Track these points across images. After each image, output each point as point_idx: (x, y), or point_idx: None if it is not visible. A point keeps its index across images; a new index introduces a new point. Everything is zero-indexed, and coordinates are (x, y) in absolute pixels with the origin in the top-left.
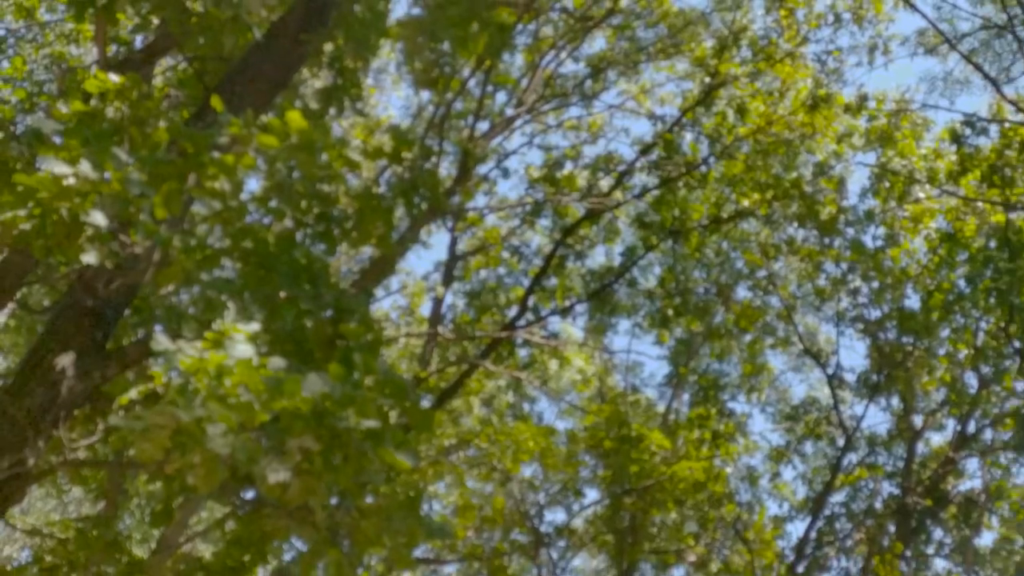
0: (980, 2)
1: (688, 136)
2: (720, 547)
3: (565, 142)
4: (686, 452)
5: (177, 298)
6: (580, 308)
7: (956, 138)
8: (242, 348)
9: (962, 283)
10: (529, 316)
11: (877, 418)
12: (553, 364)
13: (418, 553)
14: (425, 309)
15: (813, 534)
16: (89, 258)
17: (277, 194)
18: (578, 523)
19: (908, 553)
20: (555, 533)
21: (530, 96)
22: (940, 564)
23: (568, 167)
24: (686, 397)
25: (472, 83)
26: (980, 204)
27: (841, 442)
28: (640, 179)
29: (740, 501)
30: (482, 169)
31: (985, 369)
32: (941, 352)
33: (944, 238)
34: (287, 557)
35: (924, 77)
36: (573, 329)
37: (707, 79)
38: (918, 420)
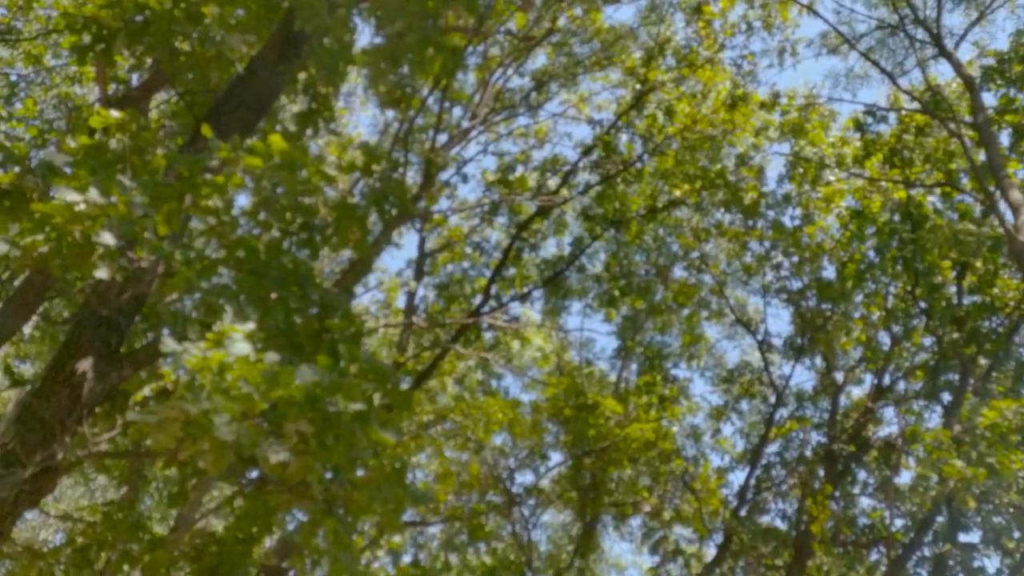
0: (875, 5)
1: (624, 137)
2: (671, 497)
3: (515, 148)
4: (637, 415)
5: (181, 304)
6: (537, 293)
7: (859, 126)
8: (240, 346)
9: (871, 254)
10: (492, 303)
11: (803, 376)
12: (515, 344)
13: (405, 517)
14: (400, 302)
15: (752, 481)
16: (101, 273)
17: (264, 208)
18: (545, 483)
19: (837, 494)
20: (525, 493)
21: (482, 109)
22: (865, 502)
23: (519, 170)
24: (634, 367)
25: (431, 101)
26: (884, 183)
27: (773, 399)
28: (583, 177)
29: (686, 456)
30: (444, 176)
31: (896, 328)
32: (856, 315)
33: (853, 215)
34: (290, 527)
35: (828, 74)
36: (532, 312)
37: (638, 86)
38: (839, 376)
